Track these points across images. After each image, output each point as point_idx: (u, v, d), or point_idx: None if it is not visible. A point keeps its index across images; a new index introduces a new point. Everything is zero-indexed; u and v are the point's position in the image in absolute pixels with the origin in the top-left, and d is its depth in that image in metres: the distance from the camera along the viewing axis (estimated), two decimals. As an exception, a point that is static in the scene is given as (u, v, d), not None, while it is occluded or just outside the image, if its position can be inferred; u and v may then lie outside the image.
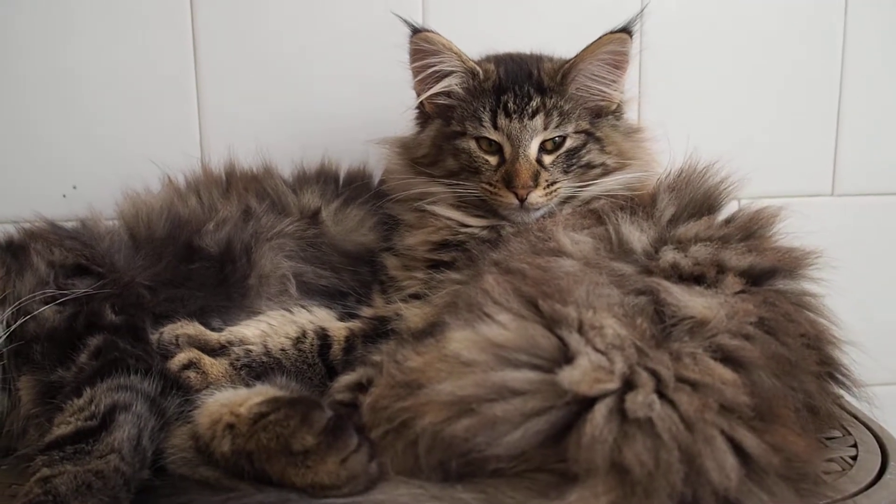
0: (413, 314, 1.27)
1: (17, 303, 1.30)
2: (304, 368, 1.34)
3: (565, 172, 1.45)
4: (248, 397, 1.07)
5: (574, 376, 0.94)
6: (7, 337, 1.30)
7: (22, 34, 1.82)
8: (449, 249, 1.45)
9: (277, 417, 1.00)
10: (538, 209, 1.43)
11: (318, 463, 0.96)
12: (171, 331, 1.33)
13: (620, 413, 0.93)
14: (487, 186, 1.45)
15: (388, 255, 1.52)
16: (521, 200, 1.41)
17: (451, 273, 1.35)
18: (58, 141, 1.87)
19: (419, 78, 1.51)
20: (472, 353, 1.00)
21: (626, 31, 1.43)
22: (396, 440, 1.02)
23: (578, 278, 1.11)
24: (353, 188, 1.64)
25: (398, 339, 1.19)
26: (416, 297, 1.40)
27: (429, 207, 1.51)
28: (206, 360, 1.29)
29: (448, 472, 0.99)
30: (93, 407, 1.13)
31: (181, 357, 1.28)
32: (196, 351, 1.30)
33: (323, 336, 1.37)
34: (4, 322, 1.31)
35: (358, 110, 1.90)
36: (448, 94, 1.52)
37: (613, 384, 0.95)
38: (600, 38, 1.44)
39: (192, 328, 1.35)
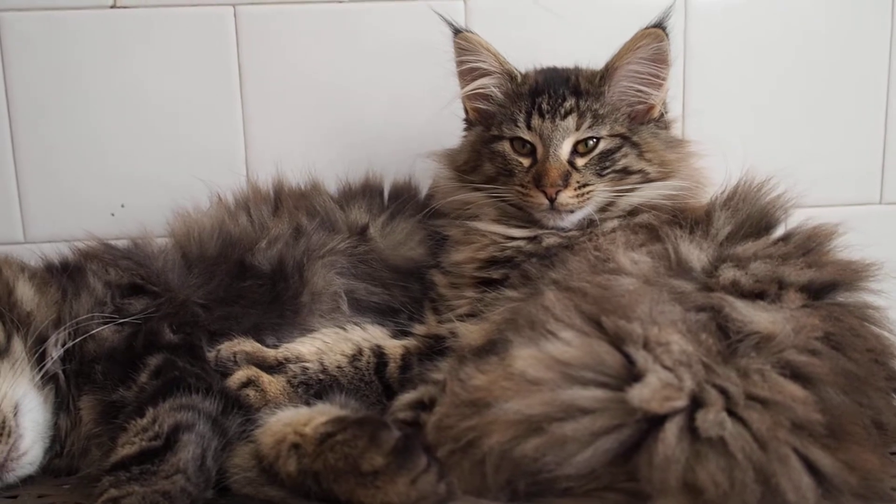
0: (469, 331, 1.27)
1: (73, 322, 1.32)
2: (361, 386, 1.34)
3: (599, 176, 1.44)
4: (311, 417, 1.08)
5: (644, 394, 0.94)
6: (64, 357, 1.32)
7: (74, 59, 1.85)
8: (498, 266, 1.44)
9: (345, 437, 1.00)
10: (570, 211, 1.43)
11: (387, 483, 0.96)
12: (228, 348, 1.34)
13: (691, 431, 0.92)
14: (520, 188, 1.45)
15: (436, 273, 1.52)
16: (551, 200, 1.41)
17: (506, 291, 1.35)
18: (106, 160, 1.89)
19: (460, 76, 1.55)
20: (539, 372, 1.00)
21: (658, 26, 1.43)
22: (463, 459, 1.01)
23: (640, 295, 1.10)
24: (399, 202, 1.64)
25: (458, 357, 1.18)
26: (468, 316, 1.39)
27: (472, 224, 1.51)
28: (265, 377, 1.30)
29: (516, 492, 1.00)
30: (156, 427, 1.14)
31: (240, 375, 1.29)
32: (254, 368, 1.31)
33: (379, 354, 1.37)
34: (60, 342, 1.32)
35: (399, 126, 1.91)
36: (488, 98, 1.55)
37: (682, 402, 0.95)
38: (634, 35, 1.44)
39: (249, 345, 1.35)
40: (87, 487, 1.26)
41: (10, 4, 1.81)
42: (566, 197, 1.41)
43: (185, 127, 1.89)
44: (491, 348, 1.12)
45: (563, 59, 1.60)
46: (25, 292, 1.34)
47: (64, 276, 1.41)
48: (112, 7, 1.84)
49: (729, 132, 1.70)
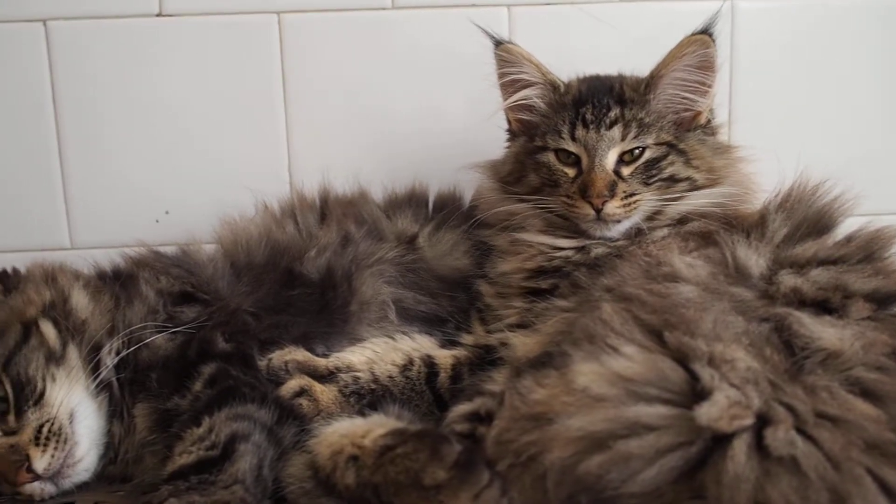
0: (521, 343, 1.26)
1: (127, 330, 1.33)
2: (413, 396, 1.34)
3: (646, 185, 1.42)
4: (369, 428, 1.07)
5: (712, 413, 0.92)
6: (118, 365, 1.32)
7: (121, 66, 1.87)
8: (546, 276, 1.43)
9: (405, 450, 1.00)
10: (617, 221, 1.41)
11: (450, 498, 0.96)
12: (279, 357, 1.34)
13: (761, 450, 0.91)
14: (565, 199, 1.43)
15: (482, 283, 1.51)
16: (598, 211, 1.39)
17: (557, 300, 1.34)
18: (151, 168, 1.90)
19: (502, 87, 1.54)
20: (602, 388, 0.99)
21: (705, 32, 1.41)
22: (523, 474, 1.01)
23: (702, 307, 1.09)
24: (445, 212, 1.64)
25: (512, 369, 1.18)
26: (517, 326, 1.38)
27: (518, 236, 1.50)
28: (317, 387, 1.30)
29: (576, 508, 0.99)
30: (213, 436, 1.15)
31: (292, 384, 1.29)
32: (307, 378, 1.31)
33: (429, 364, 1.36)
34: (114, 350, 1.33)
35: (442, 134, 1.92)
36: (531, 109, 1.54)
37: (750, 420, 0.93)
38: (680, 42, 1.42)
39: (301, 354, 1.35)
40: (141, 495, 1.27)
41: (59, 12, 1.83)
42: (612, 207, 1.39)
43: (230, 135, 1.90)
44: (547, 361, 1.11)
45: (609, 66, 1.58)
46: (80, 300, 1.35)
47: (116, 283, 1.42)
48: (158, 15, 1.85)
49: (778, 137, 1.69)
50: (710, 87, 1.45)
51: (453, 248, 1.57)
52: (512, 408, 1.05)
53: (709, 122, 1.51)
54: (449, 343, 1.44)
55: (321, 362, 1.35)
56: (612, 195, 1.39)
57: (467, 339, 1.44)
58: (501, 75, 1.53)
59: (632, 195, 1.41)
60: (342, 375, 1.33)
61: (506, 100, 1.55)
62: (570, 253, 1.44)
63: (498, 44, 1.51)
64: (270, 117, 1.90)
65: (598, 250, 1.42)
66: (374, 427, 1.07)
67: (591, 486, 0.95)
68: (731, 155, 1.52)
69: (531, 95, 1.52)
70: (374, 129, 1.92)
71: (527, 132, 1.55)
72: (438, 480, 0.97)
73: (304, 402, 1.28)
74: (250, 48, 1.87)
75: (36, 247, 1.87)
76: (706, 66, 1.43)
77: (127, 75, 1.87)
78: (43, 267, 1.41)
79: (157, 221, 1.90)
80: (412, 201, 1.66)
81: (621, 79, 1.52)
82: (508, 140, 1.62)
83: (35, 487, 1.24)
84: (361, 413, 1.20)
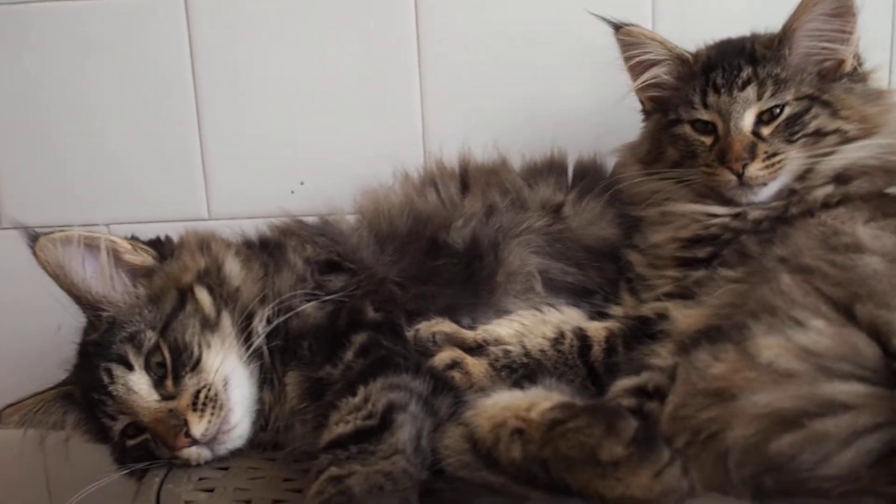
0: (683, 315, 1.20)
1: (278, 299, 1.33)
2: (565, 370, 1.29)
3: (789, 142, 1.33)
4: (533, 401, 1.04)
5: (919, 393, 0.85)
6: (269, 333, 1.33)
7: (257, 35, 1.87)
8: (703, 245, 1.36)
9: (577, 425, 0.96)
10: (763, 184, 1.33)
11: (629, 475, 0.91)
12: (427, 328, 1.32)
13: (977, 434, 0.83)
14: (705, 168, 1.37)
15: (632, 252, 1.45)
16: (739, 175, 1.32)
17: (721, 270, 1.26)
18: (286, 139, 1.91)
19: (630, 70, 1.50)
20: (790, 363, 0.92)
21: None
22: (701, 452, 0.96)
23: (892, 280, 1.01)
24: (587, 180, 1.58)
25: (677, 343, 1.13)
26: (670, 296, 1.32)
27: (668, 208, 1.43)
28: (469, 359, 1.27)
29: (760, 489, 0.93)
30: (370, 406, 1.13)
31: (444, 356, 1.27)
32: (458, 350, 1.28)
33: (581, 336, 1.32)
34: (265, 319, 1.34)
35: (587, 100, 1.84)
36: (661, 86, 1.49)
37: (960, 400, 0.86)
38: None
39: (448, 326, 1.33)
40: (293, 462, 1.28)
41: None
42: (754, 170, 1.31)
43: (363, 104, 1.89)
44: (721, 334, 1.05)
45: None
46: (233, 268, 1.36)
47: (264, 252, 1.42)
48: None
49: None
50: (850, 33, 1.35)
51: (599, 217, 1.52)
52: (687, 383, 1.00)
53: (855, 68, 1.40)
54: (597, 315, 1.39)
55: (469, 334, 1.32)
56: (753, 157, 1.32)
57: (617, 310, 1.38)
58: (627, 58, 1.49)
59: (774, 155, 1.32)
60: (492, 349, 1.29)
61: (635, 81, 1.50)
62: (726, 220, 1.36)
63: (617, 28, 1.46)
64: (405, 82, 1.87)
65: (756, 213, 1.33)
66: (539, 400, 1.03)
67: (779, 466, 0.90)
68: (886, 100, 1.39)
69: (659, 73, 1.48)
70: (510, 96, 1.87)
71: (660, 108, 1.51)
72: (616, 456, 0.92)
73: (456, 374, 1.25)
74: (383, 15, 1.85)
75: (175, 217, 1.90)
76: (842, 12, 1.33)
77: (264, 44, 1.87)
78: (197, 234, 1.42)
79: (292, 192, 1.91)
80: (552, 169, 1.61)
81: (752, 38, 1.44)
82: (644, 120, 1.57)
83: (192, 452, 1.26)
84: (517, 385, 1.17)
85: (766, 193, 1.35)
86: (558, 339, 1.32)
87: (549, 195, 1.53)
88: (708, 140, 1.40)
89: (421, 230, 1.46)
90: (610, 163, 1.65)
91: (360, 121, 1.89)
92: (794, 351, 0.94)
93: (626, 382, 1.12)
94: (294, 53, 1.88)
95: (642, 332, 1.29)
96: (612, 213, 1.52)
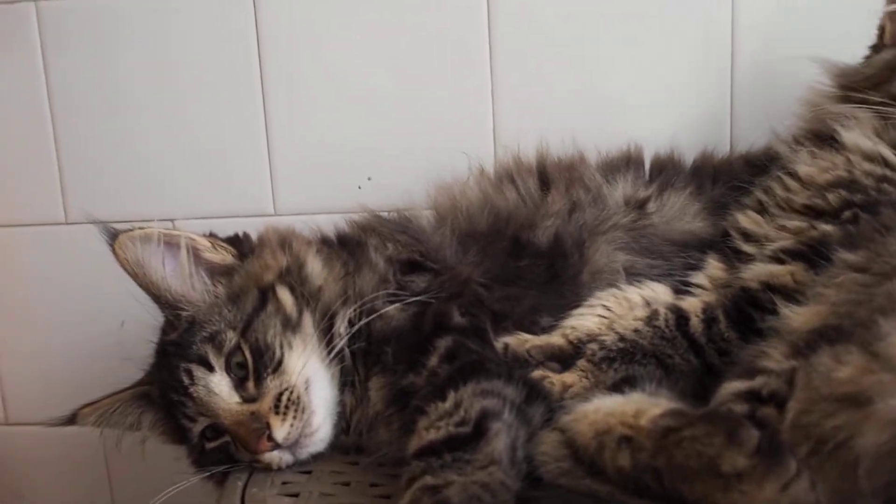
0: (796, 312, 1.13)
1: (360, 300, 1.29)
2: (663, 345, 1.21)
3: None
4: (641, 407, 0.98)
5: None
6: (351, 336, 1.29)
7: (324, 26, 1.84)
8: (847, 191, 1.23)
9: (694, 433, 0.90)
10: None
11: (753, 488, 0.85)
12: (518, 344, 1.26)
13: None
14: None
15: (738, 211, 1.36)
16: None
17: (842, 252, 1.14)
18: (352, 134, 1.87)
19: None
20: (930, 365, 0.86)
21: None
22: (827, 462, 0.89)
23: None
24: (665, 175, 1.52)
25: (791, 344, 1.06)
26: (788, 253, 1.23)
27: (844, 133, 1.31)
28: (558, 376, 1.22)
29: (893, 499, 0.87)
30: (461, 412, 1.08)
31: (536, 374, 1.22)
32: (546, 370, 1.23)
33: (675, 309, 1.25)
34: (346, 320, 1.30)
35: (663, 93, 1.81)
36: None
37: None
38: None
39: (538, 339, 1.27)
40: (379, 466, 1.24)
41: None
42: None
43: (431, 98, 1.84)
44: (841, 334, 0.98)
45: None
46: (315, 266, 1.32)
47: (344, 250, 1.38)
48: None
49: None
50: None
51: (682, 211, 1.45)
52: (810, 388, 0.93)
53: None
54: (682, 286, 1.33)
55: (560, 341, 1.26)
56: None
57: (705, 282, 1.31)
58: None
59: None
60: (588, 346, 1.24)
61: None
62: (889, 171, 1.24)
63: None
64: (474, 77, 1.82)
65: None
66: (647, 406, 0.98)
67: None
68: None
69: None
70: (581, 89, 1.82)
71: None
72: (739, 468, 0.86)
73: (550, 381, 1.20)
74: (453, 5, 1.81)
75: (240, 213, 1.89)
76: None
77: (329, 34, 1.84)
78: (278, 232, 1.39)
79: (359, 188, 1.87)
80: (630, 164, 1.55)
81: None
82: (871, 53, 1.46)
83: (274, 456, 1.23)
84: (617, 388, 1.12)
85: None
86: (651, 316, 1.25)
87: (631, 191, 1.48)
88: None
89: (502, 228, 1.41)
90: (688, 158, 1.59)
91: (429, 115, 1.85)
92: (932, 354, 0.87)
93: (737, 385, 1.05)
94: (361, 46, 1.84)
95: (747, 301, 1.22)
96: (697, 207, 1.46)
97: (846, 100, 1.37)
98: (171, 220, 1.87)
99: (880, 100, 1.31)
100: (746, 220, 1.35)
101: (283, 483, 1.22)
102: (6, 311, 2.05)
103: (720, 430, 0.90)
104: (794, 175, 1.33)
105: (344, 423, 1.30)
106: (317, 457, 1.26)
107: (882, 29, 1.44)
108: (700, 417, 0.93)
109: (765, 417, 1.00)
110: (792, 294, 1.18)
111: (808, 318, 1.09)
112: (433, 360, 1.20)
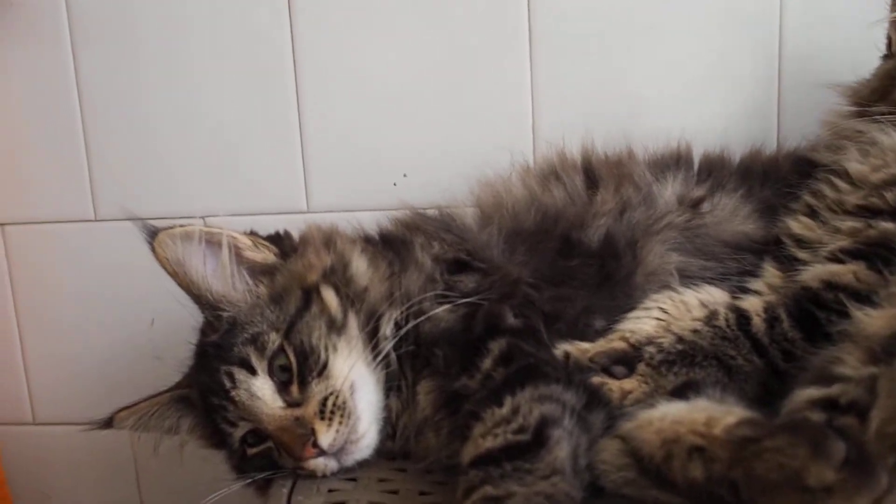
0: (871, 317, 1.08)
1: (408, 302, 1.24)
2: (724, 345, 1.17)
3: None
4: (712, 416, 0.93)
5: None
6: (399, 338, 1.24)
7: (359, 23, 1.80)
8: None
9: (776, 444, 0.85)
10: None
11: (843, 503, 0.81)
12: (579, 353, 1.21)
13: None
14: None
15: (790, 220, 1.32)
16: None
17: None
18: (387, 130, 1.83)
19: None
20: None
21: None
22: (912, 475, 0.85)
23: None
24: (716, 175, 1.47)
25: (866, 350, 1.01)
26: (847, 253, 1.19)
27: (879, 136, 1.29)
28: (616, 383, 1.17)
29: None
30: (520, 419, 1.03)
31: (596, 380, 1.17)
32: (616, 369, 1.19)
33: (735, 309, 1.20)
34: (393, 321, 1.25)
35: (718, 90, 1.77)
36: None
37: None
38: None
39: (598, 346, 1.22)
40: (427, 474, 1.20)
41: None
42: None
43: (469, 94, 1.80)
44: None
45: None
46: (360, 266, 1.28)
47: (388, 249, 1.34)
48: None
49: None
50: None
51: (733, 212, 1.40)
52: (894, 396, 0.89)
53: None
54: (739, 290, 1.28)
55: (622, 345, 1.21)
56: None
57: (762, 286, 1.26)
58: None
59: None
60: (646, 349, 1.19)
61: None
62: None
63: None
64: (514, 73, 1.78)
65: None
66: (719, 415, 0.93)
67: None
68: None
69: None
70: (625, 79, 1.78)
71: None
72: (826, 482, 0.81)
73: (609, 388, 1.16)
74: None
75: (274, 210, 1.85)
76: None
77: (364, 36, 1.80)
78: (321, 230, 1.34)
79: (394, 185, 1.83)
80: (680, 163, 1.50)
81: None
82: (883, 62, 1.47)
83: (319, 463, 1.18)
84: (679, 394, 1.08)
85: None
86: (710, 316, 1.20)
87: (683, 190, 1.42)
88: None
89: (550, 227, 1.36)
90: (735, 156, 1.55)
91: (466, 110, 1.80)
92: None
93: (811, 393, 1.00)
94: (396, 40, 1.80)
95: (810, 302, 1.17)
96: (749, 209, 1.40)
97: (860, 115, 1.36)
98: (202, 217, 1.83)
99: (888, 110, 1.31)
100: (798, 225, 1.31)
101: (330, 490, 1.17)
102: (34, 310, 2.02)
103: (804, 441, 0.85)
104: (842, 174, 1.30)
105: (389, 428, 1.25)
106: (362, 464, 1.22)
107: (889, 39, 1.44)
108: (781, 427, 0.88)
109: (845, 427, 0.94)
110: (859, 294, 1.13)
111: (885, 322, 1.04)
112: (487, 363, 1.14)
